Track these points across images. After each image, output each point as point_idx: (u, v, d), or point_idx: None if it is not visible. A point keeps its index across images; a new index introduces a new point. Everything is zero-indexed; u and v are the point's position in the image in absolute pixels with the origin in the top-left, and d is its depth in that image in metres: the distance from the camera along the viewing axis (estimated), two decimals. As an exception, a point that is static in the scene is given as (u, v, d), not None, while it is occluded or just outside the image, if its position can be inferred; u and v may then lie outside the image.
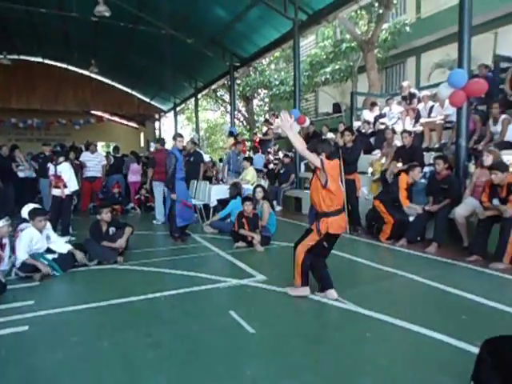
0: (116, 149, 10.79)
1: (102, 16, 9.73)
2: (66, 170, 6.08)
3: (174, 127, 20.05)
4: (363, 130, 8.62)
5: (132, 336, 2.87)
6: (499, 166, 4.77)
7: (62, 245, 4.70)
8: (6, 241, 4.31)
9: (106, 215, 5.03)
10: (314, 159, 3.32)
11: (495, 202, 4.71)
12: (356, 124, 9.45)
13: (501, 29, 11.68)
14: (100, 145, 23.84)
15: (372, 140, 8.43)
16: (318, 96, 18.70)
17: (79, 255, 4.62)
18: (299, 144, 3.29)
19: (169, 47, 12.16)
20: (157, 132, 22.59)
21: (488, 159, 5.14)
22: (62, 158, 6.15)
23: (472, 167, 5.71)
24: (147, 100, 20.86)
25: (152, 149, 14.23)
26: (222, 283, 4.03)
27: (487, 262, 4.55)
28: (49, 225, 4.76)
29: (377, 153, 7.89)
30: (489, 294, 3.58)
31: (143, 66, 15.83)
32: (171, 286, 3.95)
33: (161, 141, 8.98)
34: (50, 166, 6.14)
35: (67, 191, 6.06)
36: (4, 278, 4.07)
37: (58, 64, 18.65)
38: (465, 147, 5.77)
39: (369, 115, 9.18)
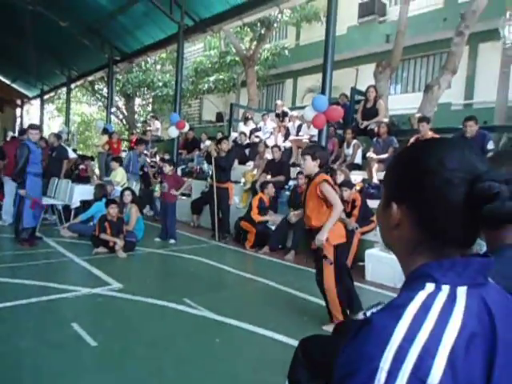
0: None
1: None
2: None
3: (39, 116, 17.77)
4: (239, 142, 8.94)
5: None
6: (348, 184, 5.45)
7: None
8: None
9: None
10: (335, 197, 3.09)
11: (342, 215, 5.35)
12: (234, 135, 9.76)
13: (361, 66, 13.53)
14: None
15: (247, 151, 8.81)
16: (203, 103, 18.84)
17: None
18: (333, 220, 3.08)
19: (37, 26, 10.77)
20: (18, 120, 19.74)
21: (340, 177, 5.82)
22: None
23: (328, 184, 6.41)
24: (7, 82, 18.09)
25: (8, 139, 12.33)
26: (71, 293, 3.65)
27: (333, 268, 5.11)
28: None
29: (250, 164, 8.26)
30: (330, 297, 4.01)
31: (3, 42, 13.67)
32: (4, 297, 3.41)
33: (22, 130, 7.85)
34: None
35: None
36: None
37: None
38: (323, 165, 6.43)
39: (244, 128, 9.59)
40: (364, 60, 13.17)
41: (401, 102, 11.13)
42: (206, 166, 8.76)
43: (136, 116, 19.38)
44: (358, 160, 6.80)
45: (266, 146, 7.89)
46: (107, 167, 9.71)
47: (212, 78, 14.07)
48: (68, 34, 11.59)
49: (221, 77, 14.01)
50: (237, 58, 13.51)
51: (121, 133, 16.92)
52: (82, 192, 6.93)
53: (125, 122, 19.33)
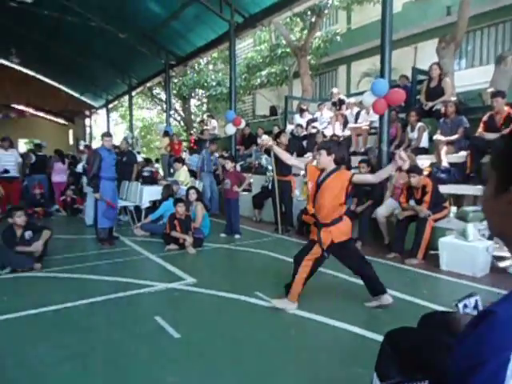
0: (38, 146, 9.96)
1: (23, 2, 8.98)
2: None
3: (106, 125, 19.07)
4: (296, 134, 8.89)
5: (45, 349, 2.67)
6: (415, 169, 5.18)
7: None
8: None
9: (19, 219, 4.56)
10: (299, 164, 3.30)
11: (411, 202, 5.12)
12: (290, 127, 9.72)
13: (420, 44, 12.75)
14: (23, 142, 22.01)
15: (304, 143, 8.73)
16: (256, 98, 18.96)
17: None
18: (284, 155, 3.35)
19: (100, 41, 11.56)
20: (87, 129, 21.33)
21: (405, 163, 5.56)
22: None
23: (392, 170, 6.15)
24: (77, 95, 19.61)
25: (81, 147, 13.40)
26: (150, 288, 3.90)
27: (404, 258, 4.92)
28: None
29: (309, 155, 8.18)
30: (403, 287, 3.87)
31: (72, 59, 14.84)
32: (93, 292, 3.73)
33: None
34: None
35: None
36: None
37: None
38: (386, 151, 6.18)
39: (300, 119, 9.50)
40: (422, 37, 12.41)
41: (467, 78, 10.33)
42: (264, 160, 8.83)
43: (192, 116, 20.03)
44: (425, 144, 6.43)
45: (324, 136, 7.75)
46: (170, 168, 10.20)
47: (264, 73, 14.09)
48: (127, 44, 12.27)
49: (273, 70, 13.98)
50: (288, 50, 13.40)
51: (179, 134, 17.61)
52: (151, 193, 7.34)
53: (182, 124, 20.08)
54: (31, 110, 20.18)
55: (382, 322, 3.07)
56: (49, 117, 22.68)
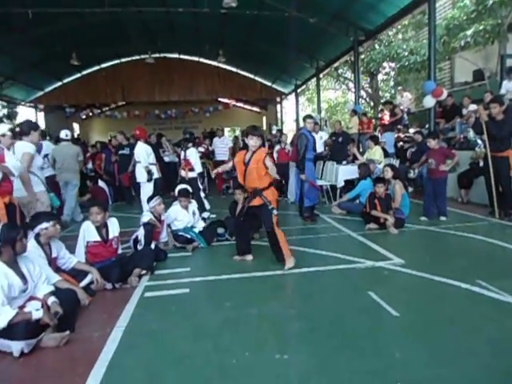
0: (244, 132, 11.43)
1: (230, 7, 10.25)
2: (192, 155, 6.73)
3: (295, 109, 20.23)
4: (517, 99, 7.38)
5: (276, 306, 3.09)
6: None
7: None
8: (163, 217, 4.95)
9: (239, 196, 5.42)
10: None
11: None
12: (503, 92, 8.13)
13: None
14: (226, 130, 25.59)
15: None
16: (455, 64, 16.59)
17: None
18: None
19: (291, 29, 12.17)
20: (278, 115, 23.09)
21: None
22: (190, 144, 6.81)
23: None
24: (269, 84, 21.39)
25: (274, 131, 14.64)
26: (357, 264, 4.01)
27: None
28: (194, 203, 5.36)
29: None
30: None
31: (265, 50, 16.22)
32: (306, 263, 4.07)
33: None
34: (181, 151, 6.85)
35: (192, 174, 6.64)
36: (164, 248, 4.79)
37: (191, 58, 20.42)
38: None
39: (509, 85, 7.79)
40: None
41: None
42: (471, 133, 7.72)
43: (380, 93, 19.11)
44: None
45: None
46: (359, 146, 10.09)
47: (469, 32, 12.11)
48: (315, 28, 12.53)
49: (480, 27, 11.87)
50: (503, -3, 11.09)
51: (366, 112, 17.11)
52: (346, 172, 7.45)
53: (368, 100, 19.43)
54: (233, 102, 23.16)
55: None
56: (246, 106, 25.58)
